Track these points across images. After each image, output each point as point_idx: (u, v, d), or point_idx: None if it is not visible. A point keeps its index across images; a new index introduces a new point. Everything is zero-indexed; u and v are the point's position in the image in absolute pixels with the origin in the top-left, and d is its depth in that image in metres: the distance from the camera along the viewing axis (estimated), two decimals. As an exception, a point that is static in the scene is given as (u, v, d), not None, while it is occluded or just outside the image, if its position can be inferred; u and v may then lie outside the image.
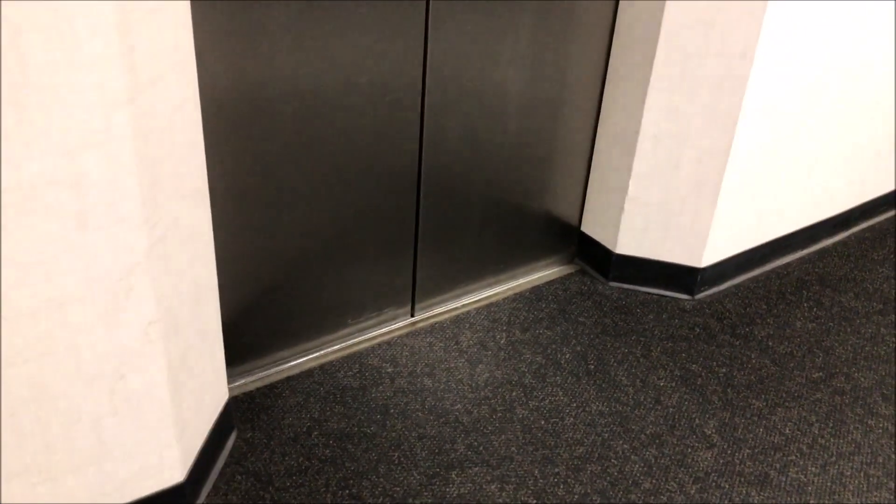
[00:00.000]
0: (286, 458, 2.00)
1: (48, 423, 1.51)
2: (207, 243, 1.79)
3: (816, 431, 2.21)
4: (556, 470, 2.03)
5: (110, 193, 1.38)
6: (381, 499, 1.91)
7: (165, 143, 1.50)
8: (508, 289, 2.72)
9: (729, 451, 2.13)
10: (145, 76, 1.38)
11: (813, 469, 2.09)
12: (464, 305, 2.62)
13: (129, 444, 1.65)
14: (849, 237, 3.22)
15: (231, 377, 2.19)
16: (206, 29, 1.73)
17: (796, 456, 2.13)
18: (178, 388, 1.70)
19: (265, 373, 2.26)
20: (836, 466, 2.10)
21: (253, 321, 2.18)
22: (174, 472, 1.76)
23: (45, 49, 1.21)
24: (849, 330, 2.64)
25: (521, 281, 2.76)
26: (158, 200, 1.50)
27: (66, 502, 1.60)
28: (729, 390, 2.34)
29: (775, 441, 2.18)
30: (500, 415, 2.19)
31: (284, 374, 2.27)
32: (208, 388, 1.89)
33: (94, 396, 1.55)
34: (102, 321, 1.49)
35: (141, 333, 1.55)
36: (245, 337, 2.18)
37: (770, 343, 2.56)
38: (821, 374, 2.44)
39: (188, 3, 1.54)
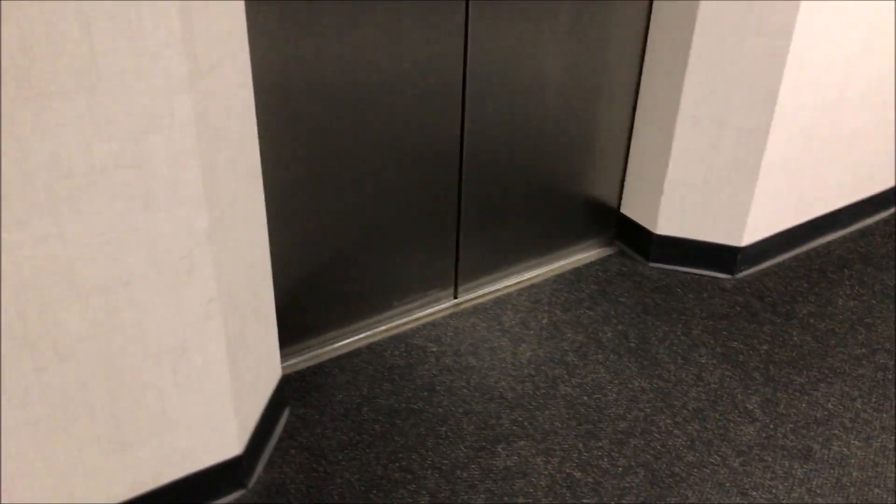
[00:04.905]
0: (338, 433, 2.07)
1: (116, 395, 1.59)
2: (261, 225, 1.86)
3: (859, 406, 2.23)
4: (600, 444, 2.07)
5: (173, 175, 1.46)
6: (429, 471, 1.97)
7: (223, 128, 1.57)
8: (549, 270, 2.76)
9: (771, 426, 2.15)
10: (205, 62, 1.45)
11: (856, 443, 2.10)
12: (506, 287, 2.67)
13: (190, 418, 1.73)
14: (891, 215, 3.20)
15: (283, 357, 2.26)
16: (258, 18, 1.80)
17: (839, 430, 2.15)
18: (235, 364, 1.78)
19: (315, 352, 2.33)
20: (879, 440, 2.11)
21: (303, 303, 2.25)
22: (232, 446, 1.84)
23: (113, 38, 1.29)
24: (891, 307, 2.64)
25: (562, 263, 2.81)
26: (217, 183, 1.57)
27: (132, 471, 1.69)
28: (771, 367, 2.36)
29: (818, 416, 2.19)
30: (543, 391, 2.24)
31: (333, 354, 2.34)
32: (263, 365, 1.96)
33: (159, 370, 1.63)
34: (166, 298, 1.56)
35: (201, 310, 1.63)
36: (295, 318, 2.26)
37: (812, 321, 2.57)
38: (863, 350, 2.44)
39: (241, -8, 1.61)
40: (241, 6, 1.60)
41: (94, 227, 1.41)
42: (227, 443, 1.83)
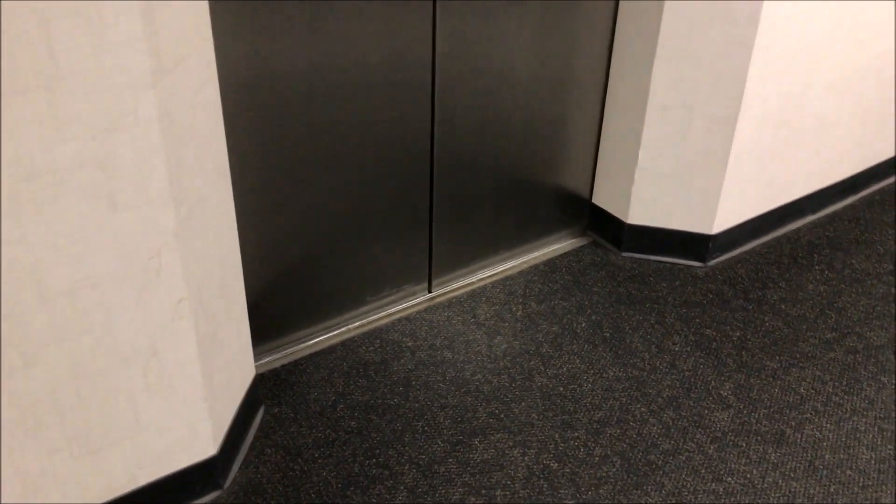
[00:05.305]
0: (313, 431, 2.06)
1: (87, 399, 1.56)
2: (231, 222, 1.84)
3: (830, 389, 2.26)
4: (576, 434, 2.08)
5: (139, 174, 1.43)
6: (407, 466, 1.97)
7: (188, 125, 1.55)
8: (523, 262, 2.77)
9: (745, 412, 2.17)
10: (168, 59, 1.43)
11: (828, 426, 2.13)
12: (480, 280, 2.66)
13: (163, 419, 1.71)
14: (858, 201, 3.25)
15: (256, 355, 2.24)
16: (223, 13, 1.77)
17: (811, 414, 2.17)
18: (208, 363, 1.76)
19: (289, 350, 2.31)
20: (851, 422, 2.14)
21: (276, 301, 2.23)
22: (207, 446, 1.82)
23: (73, 35, 1.26)
24: (860, 291, 2.68)
25: (536, 254, 2.81)
26: (184, 180, 1.55)
27: (105, 475, 1.66)
28: (743, 353, 2.39)
29: (790, 400, 2.22)
30: (519, 383, 2.24)
31: (308, 351, 2.32)
32: (236, 364, 1.94)
33: (129, 373, 1.60)
34: (135, 299, 1.54)
35: (171, 310, 1.61)
36: (268, 316, 2.24)
37: (783, 306, 2.60)
38: (834, 334, 2.47)
39: (204, -13, 1.59)
40: (205, 2, 1.58)
41: (58, 228, 1.39)
42: (202, 444, 1.81)
